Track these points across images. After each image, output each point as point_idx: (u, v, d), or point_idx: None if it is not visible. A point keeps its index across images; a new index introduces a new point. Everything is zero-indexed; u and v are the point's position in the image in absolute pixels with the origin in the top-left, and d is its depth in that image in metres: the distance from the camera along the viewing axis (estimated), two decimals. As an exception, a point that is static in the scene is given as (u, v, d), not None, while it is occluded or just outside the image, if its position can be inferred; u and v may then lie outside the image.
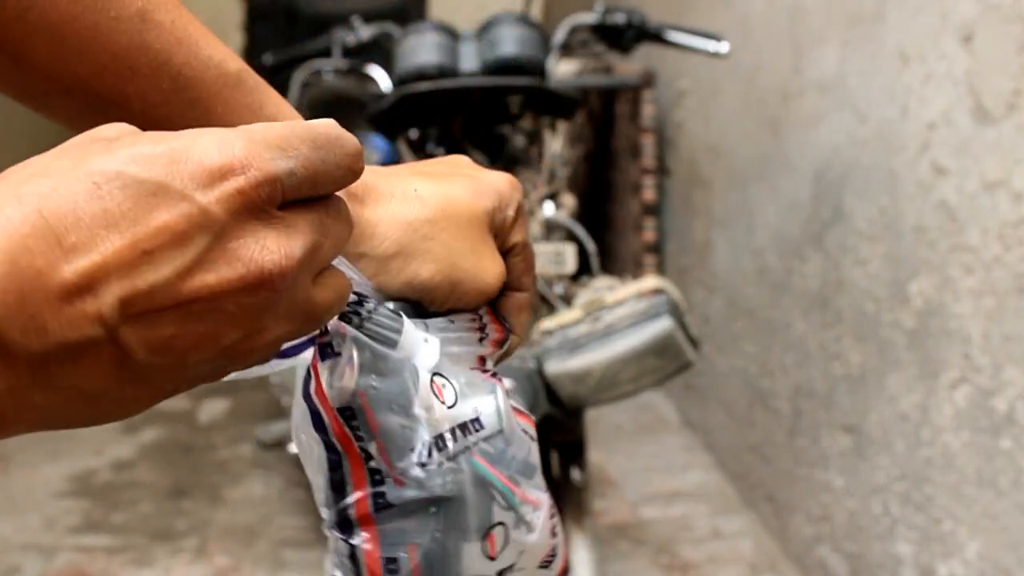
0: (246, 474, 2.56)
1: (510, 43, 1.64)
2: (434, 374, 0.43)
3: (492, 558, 0.44)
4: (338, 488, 0.42)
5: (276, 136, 0.32)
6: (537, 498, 0.46)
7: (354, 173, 0.35)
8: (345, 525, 0.42)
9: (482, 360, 0.47)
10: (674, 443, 2.76)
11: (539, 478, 0.46)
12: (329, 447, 0.41)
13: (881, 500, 1.78)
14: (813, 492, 2.04)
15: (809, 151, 2.02)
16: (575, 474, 1.53)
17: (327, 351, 0.41)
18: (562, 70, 2.57)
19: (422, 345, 0.43)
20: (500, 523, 0.44)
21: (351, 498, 0.42)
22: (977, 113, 1.47)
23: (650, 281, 1.42)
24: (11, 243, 0.28)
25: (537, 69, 1.66)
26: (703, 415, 2.72)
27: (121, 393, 0.31)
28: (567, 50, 1.91)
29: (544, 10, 4.61)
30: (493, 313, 0.49)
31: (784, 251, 2.15)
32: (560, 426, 1.44)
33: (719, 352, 2.55)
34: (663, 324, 1.33)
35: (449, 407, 0.43)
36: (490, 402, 0.44)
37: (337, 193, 0.35)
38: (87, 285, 0.28)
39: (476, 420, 0.44)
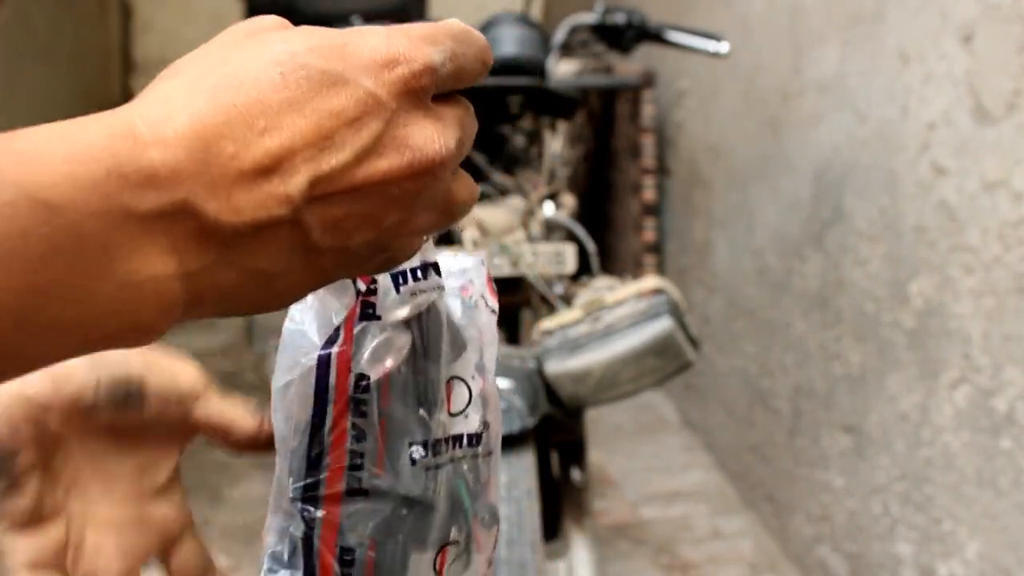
0: (246, 474, 2.56)
1: (510, 43, 1.64)
2: (452, 377, 0.42)
3: (439, 575, 0.43)
4: (314, 461, 0.40)
5: (429, 32, 0.34)
6: (481, 540, 0.45)
7: (486, 66, 0.37)
8: (310, 500, 0.40)
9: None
10: (674, 443, 2.76)
11: (495, 527, 0.46)
12: (319, 410, 0.40)
13: (881, 500, 1.78)
14: (813, 492, 2.04)
15: (809, 151, 2.02)
16: (575, 474, 1.53)
17: (369, 312, 0.40)
18: (562, 70, 2.57)
19: (467, 343, 0.43)
20: (455, 542, 0.43)
21: (325, 473, 0.40)
22: (977, 113, 1.47)
23: (650, 281, 1.42)
24: (207, 131, 0.29)
25: (537, 69, 1.66)
26: (703, 415, 2.72)
27: (295, 276, 0.32)
28: (567, 50, 1.91)
29: (544, 10, 4.61)
30: None
31: (784, 251, 2.15)
32: (560, 426, 1.44)
33: (719, 352, 2.55)
34: (663, 324, 1.33)
35: (453, 415, 0.42)
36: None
37: None
38: (277, 167, 0.30)
39: (476, 436, 0.43)
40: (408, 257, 0.37)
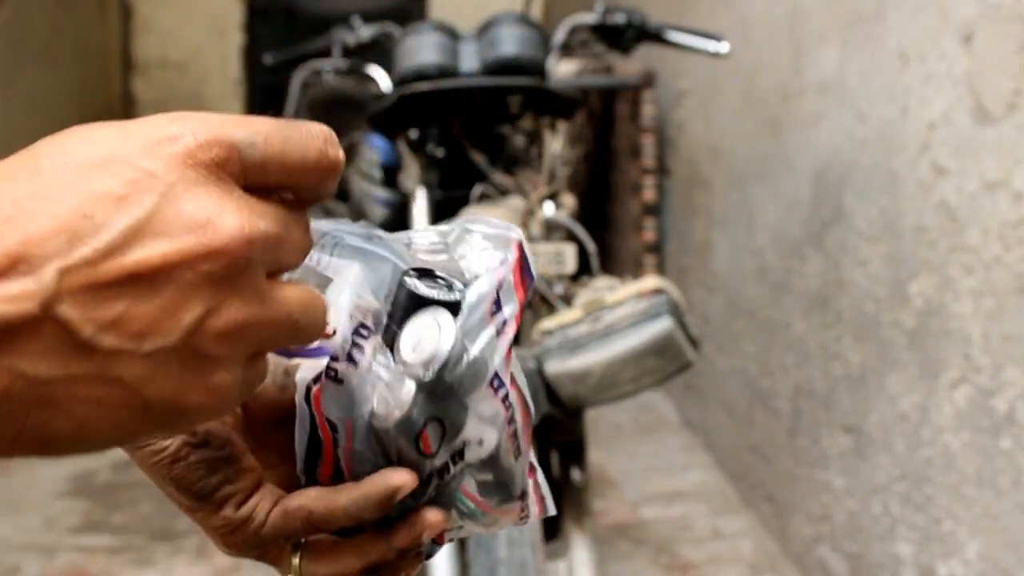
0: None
1: (510, 43, 1.64)
2: (429, 420, 0.40)
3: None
4: (311, 464, 0.42)
5: (238, 117, 0.31)
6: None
7: (328, 158, 0.32)
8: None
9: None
10: (674, 443, 2.76)
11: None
12: (313, 434, 0.41)
13: (881, 500, 1.78)
14: (813, 492, 2.04)
15: (809, 151, 2.02)
16: (575, 474, 1.53)
17: (331, 373, 0.39)
18: (562, 70, 2.57)
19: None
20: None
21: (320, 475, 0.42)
22: (977, 113, 1.47)
23: (650, 281, 1.42)
24: None
25: (537, 69, 1.66)
26: (703, 415, 2.72)
27: (83, 388, 0.27)
28: (567, 50, 1.91)
29: (544, 10, 4.61)
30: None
31: (784, 251, 2.15)
32: (560, 426, 1.44)
33: (719, 352, 2.55)
34: (663, 324, 1.33)
35: (427, 455, 0.40)
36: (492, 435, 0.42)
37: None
38: (20, 257, 0.26)
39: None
40: (261, 377, 0.32)
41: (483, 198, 1.63)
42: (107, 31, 4.52)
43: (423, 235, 0.42)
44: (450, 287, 0.40)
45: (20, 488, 2.51)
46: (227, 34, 4.75)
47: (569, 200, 1.79)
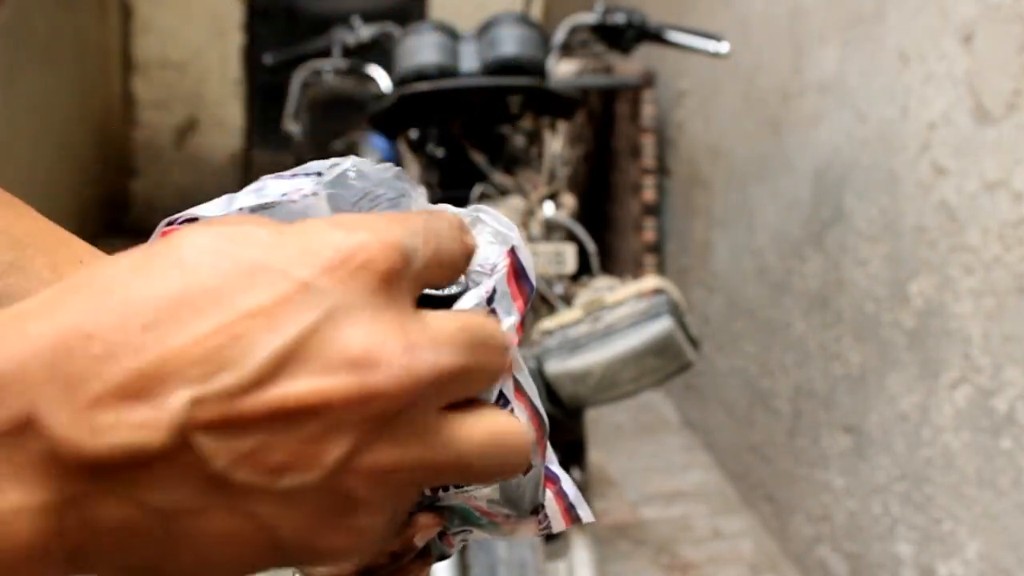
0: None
1: (510, 43, 1.64)
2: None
3: None
4: None
5: (388, 216, 0.27)
6: None
7: (468, 249, 0.29)
8: None
9: None
10: (674, 443, 2.76)
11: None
12: None
13: (881, 500, 1.78)
14: (813, 492, 2.04)
15: (809, 151, 2.02)
16: (575, 474, 1.53)
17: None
18: (562, 70, 2.57)
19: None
20: None
21: None
22: (977, 113, 1.47)
23: (650, 281, 1.42)
24: (62, 329, 0.23)
25: (537, 69, 1.66)
26: (703, 415, 2.72)
27: (215, 521, 0.24)
28: (567, 50, 1.91)
29: (544, 10, 4.61)
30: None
31: (784, 251, 2.15)
32: (560, 426, 1.44)
33: (719, 352, 2.55)
34: (663, 324, 1.33)
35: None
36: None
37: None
38: (155, 377, 0.23)
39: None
40: (407, 513, 0.28)
41: (483, 198, 1.63)
42: (107, 31, 4.52)
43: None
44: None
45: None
46: (227, 34, 4.75)
47: (569, 200, 1.79)
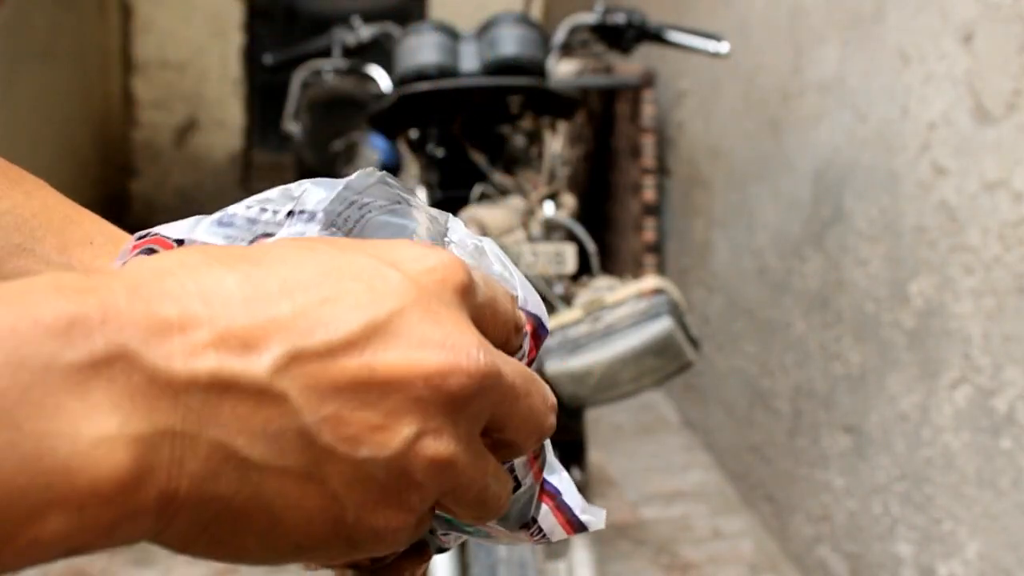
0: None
1: (510, 43, 1.64)
2: None
3: None
4: None
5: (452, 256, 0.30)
6: None
7: (519, 323, 0.33)
8: None
9: None
10: (674, 443, 2.76)
11: None
12: None
13: (881, 500, 1.78)
14: (813, 492, 2.04)
15: (809, 151, 2.02)
16: (575, 474, 1.53)
17: None
18: (562, 70, 2.57)
19: None
20: None
21: None
22: (977, 113, 1.47)
23: (650, 281, 1.42)
24: (181, 301, 0.25)
25: (537, 69, 1.66)
26: (703, 415, 2.72)
27: (290, 481, 0.25)
28: (567, 50, 1.91)
29: (544, 10, 4.61)
30: None
31: (784, 251, 2.15)
32: (560, 426, 1.43)
33: (719, 352, 2.55)
34: (663, 324, 1.33)
35: None
36: None
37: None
38: (255, 337, 0.25)
39: None
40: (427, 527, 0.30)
41: (483, 198, 1.63)
42: (107, 31, 4.52)
43: (458, 230, 0.38)
44: None
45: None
46: (227, 34, 4.75)
47: (569, 200, 1.79)
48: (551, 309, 1.53)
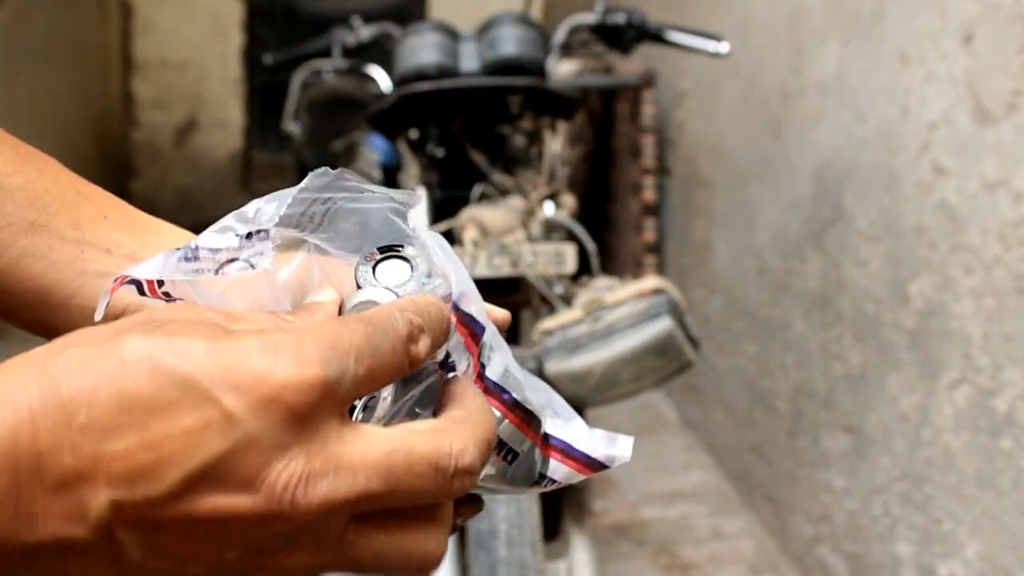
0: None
1: (510, 43, 1.64)
2: None
3: None
4: None
5: (323, 338, 0.29)
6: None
7: (411, 358, 0.31)
8: None
9: None
10: (674, 443, 2.76)
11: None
12: None
13: (881, 500, 1.78)
14: (813, 492, 2.04)
15: (809, 151, 2.02)
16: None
17: None
18: (562, 70, 2.57)
19: None
20: None
21: None
22: (977, 113, 1.47)
23: (650, 281, 1.42)
24: (18, 418, 0.26)
25: (537, 69, 1.66)
26: (703, 415, 2.72)
27: None
28: (567, 50, 1.91)
29: (544, 10, 4.61)
30: None
31: (784, 251, 2.15)
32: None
33: (719, 352, 2.55)
34: (663, 324, 1.33)
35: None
36: None
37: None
38: (87, 474, 0.26)
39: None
40: None
41: (483, 198, 1.63)
42: (107, 31, 4.52)
43: (418, 216, 0.39)
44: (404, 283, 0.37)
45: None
46: (227, 34, 4.75)
47: (569, 200, 1.79)
48: (551, 309, 1.53)
